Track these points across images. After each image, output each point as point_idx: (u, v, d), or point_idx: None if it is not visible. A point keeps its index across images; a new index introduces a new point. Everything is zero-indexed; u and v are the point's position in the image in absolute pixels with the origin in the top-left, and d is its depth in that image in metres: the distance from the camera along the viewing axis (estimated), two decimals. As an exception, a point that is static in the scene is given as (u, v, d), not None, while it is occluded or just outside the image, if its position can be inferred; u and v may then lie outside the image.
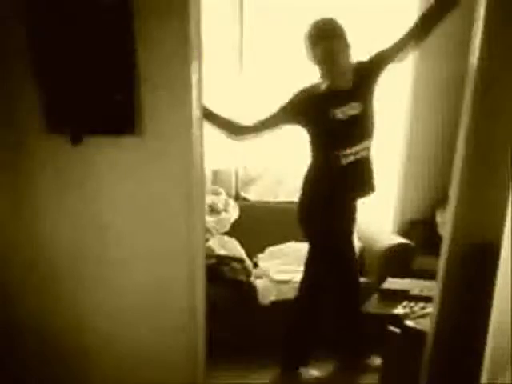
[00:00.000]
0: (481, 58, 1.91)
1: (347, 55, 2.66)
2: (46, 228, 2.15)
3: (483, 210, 2.05)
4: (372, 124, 2.80)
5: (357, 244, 3.56)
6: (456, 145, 2.07)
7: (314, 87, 2.75)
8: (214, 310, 2.42)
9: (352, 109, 2.69)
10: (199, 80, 2.05)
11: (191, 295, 2.26)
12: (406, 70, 3.71)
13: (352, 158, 2.74)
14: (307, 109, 2.72)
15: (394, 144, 3.90)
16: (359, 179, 2.87)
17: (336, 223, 2.87)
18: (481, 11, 1.89)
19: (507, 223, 1.64)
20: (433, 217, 3.83)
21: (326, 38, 2.59)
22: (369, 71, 2.72)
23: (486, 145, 2.00)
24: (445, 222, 2.27)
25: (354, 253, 3.06)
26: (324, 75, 2.68)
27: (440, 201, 3.73)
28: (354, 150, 2.73)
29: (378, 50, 2.72)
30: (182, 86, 2.02)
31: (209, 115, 2.57)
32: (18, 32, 1.91)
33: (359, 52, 2.76)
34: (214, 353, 2.47)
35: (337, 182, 2.81)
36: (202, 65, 2.05)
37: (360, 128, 2.75)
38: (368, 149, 2.81)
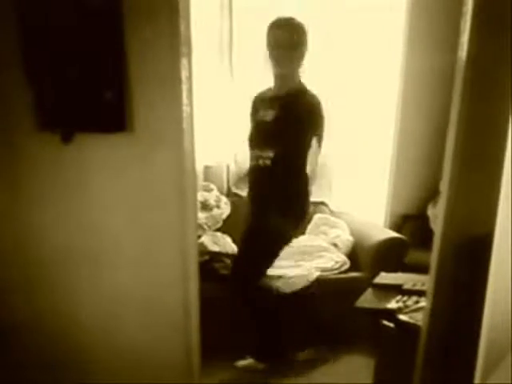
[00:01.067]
0: (469, 52, 1.92)
1: (298, 65, 2.78)
2: (38, 227, 2.13)
3: (475, 203, 2.06)
4: (281, 137, 2.81)
5: (350, 239, 3.58)
6: (446, 139, 2.07)
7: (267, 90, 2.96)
8: (208, 307, 2.42)
9: (267, 115, 2.83)
10: (189, 77, 2.04)
11: (185, 292, 2.26)
12: (396, 63, 3.72)
13: (254, 162, 2.92)
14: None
15: (385, 139, 3.91)
16: (256, 184, 3.01)
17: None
18: (469, 4, 1.89)
19: (499, 216, 1.65)
20: (425, 211, 3.84)
21: (282, 47, 2.70)
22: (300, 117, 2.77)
23: (477, 138, 2.01)
24: (436, 215, 2.28)
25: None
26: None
27: (431, 195, 3.75)
28: (255, 153, 2.91)
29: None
30: (172, 82, 2.01)
31: None
32: (8, 31, 1.90)
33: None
34: (207, 349, 2.46)
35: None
36: (192, 61, 2.05)
37: (265, 135, 2.88)
38: (269, 158, 2.84)
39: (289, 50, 2.70)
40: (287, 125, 2.76)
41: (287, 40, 2.69)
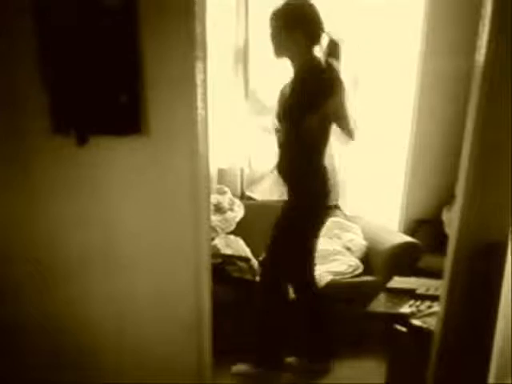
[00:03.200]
0: (487, 57, 1.91)
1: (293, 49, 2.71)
2: (54, 229, 2.15)
3: (489, 208, 2.05)
4: (296, 109, 2.75)
5: (363, 243, 3.57)
6: (462, 144, 2.06)
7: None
8: (220, 309, 2.42)
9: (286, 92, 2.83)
10: (204, 80, 2.05)
11: (197, 294, 2.26)
12: (413, 69, 3.71)
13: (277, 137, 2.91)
14: None
15: (401, 143, 3.90)
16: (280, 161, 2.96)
17: None
18: (487, 9, 1.88)
19: (514, 222, 1.64)
20: (439, 215, 3.83)
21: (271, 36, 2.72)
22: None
23: (493, 144, 2.00)
24: (451, 220, 2.27)
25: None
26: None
27: (446, 199, 3.74)
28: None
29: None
30: (187, 86, 2.02)
31: None
32: (25, 34, 1.92)
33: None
34: (220, 351, 2.47)
35: None
36: (207, 65, 2.06)
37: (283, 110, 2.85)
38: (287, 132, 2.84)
39: (273, 37, 2.73)
40: (300, 96, 2.72)
41: (271, 28, 2.72)
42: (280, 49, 2.73)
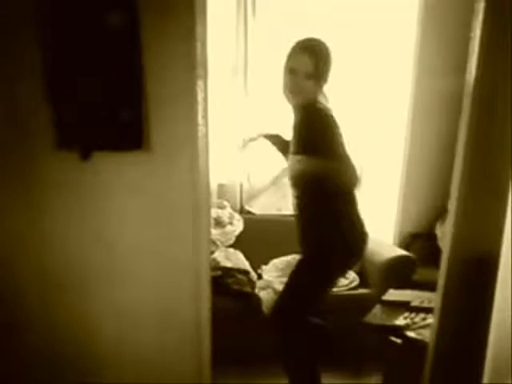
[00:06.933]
0: (477, 76, 1.96)
1: (315, 91, 2.51)
2: (56, 241, 2.18)
3: (482, 222, 2.09)
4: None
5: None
6: (455, 158, 2.11)
7: None
8: (219, 322, 2.45)
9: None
10: (205, 98, 2.09)
11: (197, 306, 2.28)
12: (407, 85, 3.77)
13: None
14: None
15: (394, 157, 3.94)
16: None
17: None
18: (477, 31, 1.94)
19: (505, 235, 1.69)
20: (433, 229, 3.86)
21: (299, 74, 2.47)
22: None
23: (484, 158, 2.04)
24: (444, 234, 2.30)
25: None
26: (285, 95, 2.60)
27: (440, 213, 3.78)
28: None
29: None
30: (188, 103, 2.05)
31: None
32: (30, 49, 1.96)
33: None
34: (219, 363, 2.49)
35: None
36: (208, 83, 2.10)
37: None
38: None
39: (309, 77, 2.45)
40: (296, 145, 2.50)
41: (308, 66, 2.44)
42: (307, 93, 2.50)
